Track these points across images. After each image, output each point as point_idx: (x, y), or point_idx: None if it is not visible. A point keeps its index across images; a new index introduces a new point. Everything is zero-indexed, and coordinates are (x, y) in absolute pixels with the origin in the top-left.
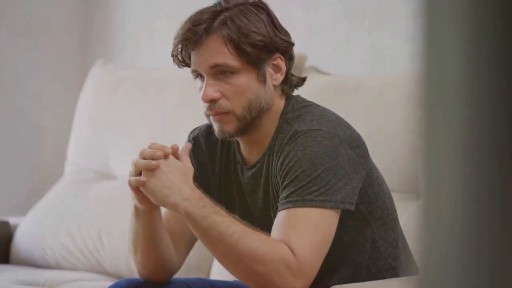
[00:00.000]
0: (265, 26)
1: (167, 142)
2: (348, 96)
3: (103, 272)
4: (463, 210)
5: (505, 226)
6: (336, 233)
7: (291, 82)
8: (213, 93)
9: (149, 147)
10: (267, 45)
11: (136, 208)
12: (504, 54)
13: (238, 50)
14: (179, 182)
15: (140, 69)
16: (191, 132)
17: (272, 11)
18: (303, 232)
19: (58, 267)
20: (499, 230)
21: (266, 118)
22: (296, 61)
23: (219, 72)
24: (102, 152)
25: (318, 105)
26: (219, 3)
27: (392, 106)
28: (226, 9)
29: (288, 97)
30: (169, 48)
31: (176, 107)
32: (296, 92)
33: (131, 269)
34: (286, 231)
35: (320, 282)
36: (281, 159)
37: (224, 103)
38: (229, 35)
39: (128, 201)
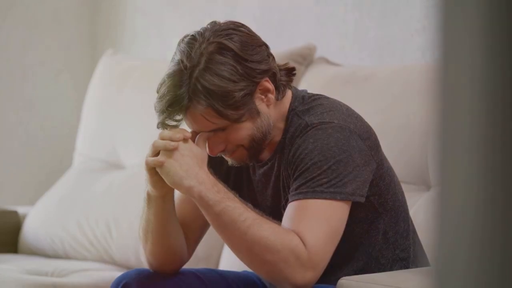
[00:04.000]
0: (236, 70)
1: None
2: (358, 87)
3: (112, 262)
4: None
5: None
6: (347, 225)
7: (283, 85)
8: (218, 148)
9: (169, 130)
10: (247, 93)
11: (148, 194)
12: None
13: (222, 115)
14: (195, 166)
15: (149, 59)
16: None
17: (233, 41)
18: (314, 223)
19: (67, 257)
20: None
21: (274, 128)
22: (305, 51)
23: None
24: (111, 142)
25: (328, 97)
26: (182, 63)
27: (401, 97)
28: (192, 68)
29: (293, 92)
30: (178, 38)
31: None
32: (306, 84)
33: (140, 259)
34: (296, 221)
35: (331, 275)
36: (292, 151)
37: (230, 148)
38: (209, 106)
39: (136, 191)
